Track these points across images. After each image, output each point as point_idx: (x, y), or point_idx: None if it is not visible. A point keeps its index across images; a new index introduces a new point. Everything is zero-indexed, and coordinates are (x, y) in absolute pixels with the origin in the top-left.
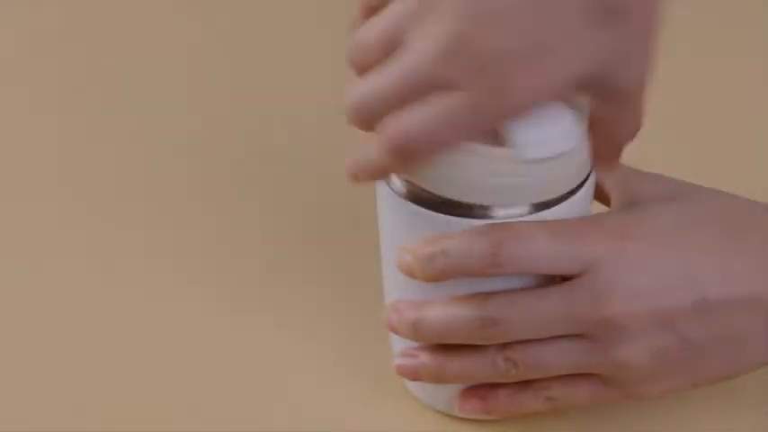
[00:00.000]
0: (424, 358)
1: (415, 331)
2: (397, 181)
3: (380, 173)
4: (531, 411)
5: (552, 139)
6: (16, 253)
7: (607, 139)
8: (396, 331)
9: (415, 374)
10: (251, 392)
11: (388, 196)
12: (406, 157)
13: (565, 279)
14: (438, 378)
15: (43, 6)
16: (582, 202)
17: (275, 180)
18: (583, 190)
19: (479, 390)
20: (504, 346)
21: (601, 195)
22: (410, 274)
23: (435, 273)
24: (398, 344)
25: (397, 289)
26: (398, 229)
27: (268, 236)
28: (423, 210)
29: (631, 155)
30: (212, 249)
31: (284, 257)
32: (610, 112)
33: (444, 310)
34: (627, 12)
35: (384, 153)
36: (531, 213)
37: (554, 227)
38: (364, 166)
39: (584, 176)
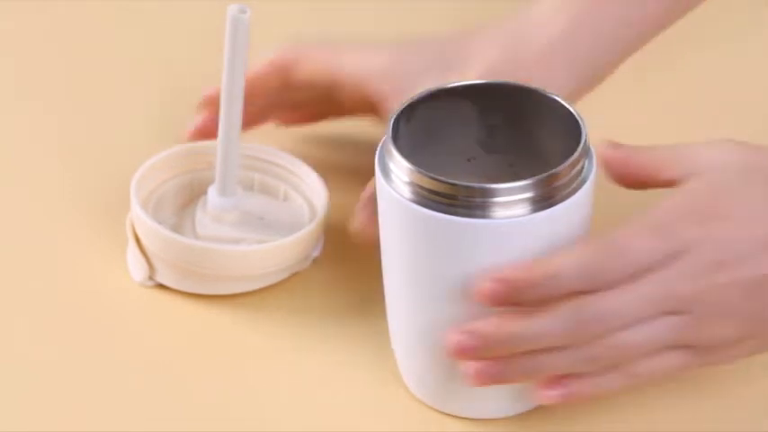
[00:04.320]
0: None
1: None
2: (399, 183)
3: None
4: (614, 391)
5: None
6: (15, 252)
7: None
8: (477, 351)
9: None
10: (251, 393)
11: (390, 199)
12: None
13: None
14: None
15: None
16: (583, 202)
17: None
18: (583, 189)
19: (561, 378)
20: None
21: (642, 179)
22: (503, 300)
23: (542, 297)
24: (400, 344)
25: (397, 288)
26: (401, 230)
27: None
28: (425, 211)
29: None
30: None
31: None
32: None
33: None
34: None
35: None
36: (531, 213)
37: (650, 222)
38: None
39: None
